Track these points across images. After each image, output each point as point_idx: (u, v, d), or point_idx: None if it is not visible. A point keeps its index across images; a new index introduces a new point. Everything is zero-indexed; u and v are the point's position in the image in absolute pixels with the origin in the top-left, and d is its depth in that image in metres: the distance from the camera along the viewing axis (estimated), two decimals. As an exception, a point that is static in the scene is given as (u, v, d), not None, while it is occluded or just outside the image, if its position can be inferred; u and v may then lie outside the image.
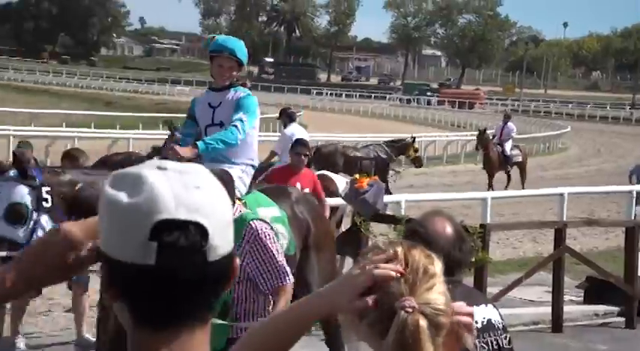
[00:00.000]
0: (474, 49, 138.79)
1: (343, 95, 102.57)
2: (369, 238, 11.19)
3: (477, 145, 30.70)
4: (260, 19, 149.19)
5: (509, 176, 29.12)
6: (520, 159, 29.24)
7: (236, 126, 6.81)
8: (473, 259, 9.44)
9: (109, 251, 1.60)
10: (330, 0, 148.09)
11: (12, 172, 6.66)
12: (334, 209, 13.55)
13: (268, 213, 6.71)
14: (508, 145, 29.31)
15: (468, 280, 9.09)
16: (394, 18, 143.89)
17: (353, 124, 58.21)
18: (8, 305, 9.11)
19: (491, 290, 12.15)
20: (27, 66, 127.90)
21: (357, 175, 14.82)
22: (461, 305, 2.08)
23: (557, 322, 13.10)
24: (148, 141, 32.66)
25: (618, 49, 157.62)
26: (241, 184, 6.92)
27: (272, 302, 5.74)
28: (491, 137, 29.65)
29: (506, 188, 27.13)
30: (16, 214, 6.00)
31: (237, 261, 1.73)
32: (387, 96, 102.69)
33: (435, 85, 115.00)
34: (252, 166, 7.25)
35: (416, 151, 27.83)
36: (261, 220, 5.71)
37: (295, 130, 17.17)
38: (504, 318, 4.78)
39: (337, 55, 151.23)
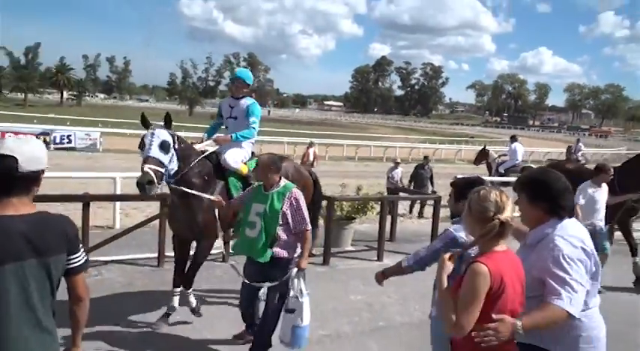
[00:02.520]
0: (609, 110, 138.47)
1: (540, 131, 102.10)
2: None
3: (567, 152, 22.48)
4: (502, 97, 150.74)
5: None
6: (583, 159, 22.79)
7: (253, 127, 5.66)
8: None
9: None
10: (537, 88, 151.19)
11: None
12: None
13: None
14: (580, 153, 23.43)
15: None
16: (569, 96, 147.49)
17: (544, 143, 53.24)
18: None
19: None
20: (406, 119, 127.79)
21: None
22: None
23: None
24: (448, 152, 34.85)
25: None
26: (247, 154, 5.75)
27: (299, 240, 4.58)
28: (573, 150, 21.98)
29: None
30: (165, 146, 4.62)
31: (42, 176, 2.33)
32: (561, 130, 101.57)
33: (585, 127, 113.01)
34: (252, 143, 5.87)
35: None
36: (296, 188, 4.63)
37: (516, 145, 15.90)
38: None
39: (538, 112, 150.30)
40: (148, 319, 5.47)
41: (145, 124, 4.71)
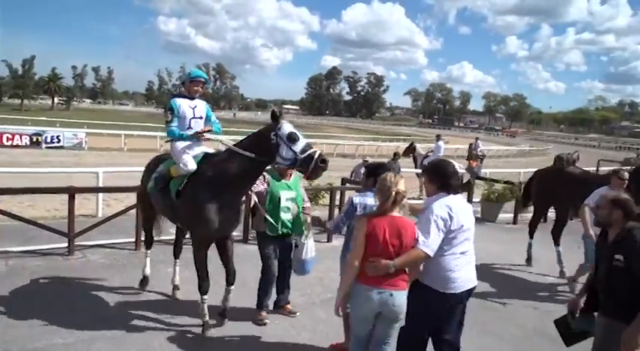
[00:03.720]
0: (516, 115, 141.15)
1: (463, 131, 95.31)
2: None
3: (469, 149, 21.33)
4: (433, 102, 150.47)
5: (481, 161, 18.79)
6: (482, 154, 21.35)
7: (219, 123, 4.99)
8: None
9: None
10: (461, 95, 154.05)
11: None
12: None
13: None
14: (479, 149, 21.48)
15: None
16: (485, 102, 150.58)
17: (466, 141, 46.18)
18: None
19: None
20: (357, 121, 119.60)
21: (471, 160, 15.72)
22: None
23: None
24: (388, 148, 32.64)
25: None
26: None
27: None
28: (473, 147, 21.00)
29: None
30: None
31: None
32: (480, 131, 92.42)
33: (498, 128, 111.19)
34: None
35: None
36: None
37: (440, 143, 15.57)
38: None
39: (462, 115, 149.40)
40: (126, 292, 5.48)
41: (276, 118, 4.17)
